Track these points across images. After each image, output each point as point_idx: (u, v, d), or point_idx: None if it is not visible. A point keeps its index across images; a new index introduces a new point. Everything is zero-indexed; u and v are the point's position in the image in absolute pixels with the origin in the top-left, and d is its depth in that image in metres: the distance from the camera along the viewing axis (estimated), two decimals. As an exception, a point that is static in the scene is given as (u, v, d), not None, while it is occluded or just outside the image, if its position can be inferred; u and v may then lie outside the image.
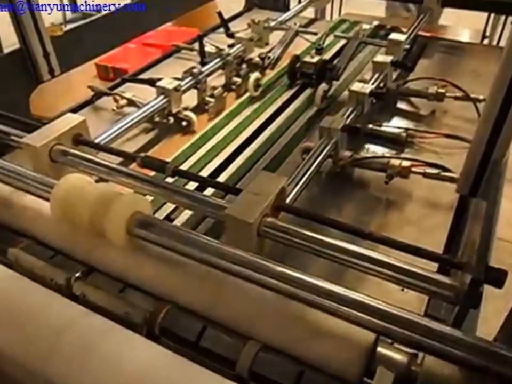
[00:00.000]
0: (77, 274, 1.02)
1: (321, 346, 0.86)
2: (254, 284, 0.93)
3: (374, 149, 1.77)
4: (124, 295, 1.00)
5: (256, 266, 0.93)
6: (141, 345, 0.86)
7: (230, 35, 2.36)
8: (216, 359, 0.88)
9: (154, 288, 1.00)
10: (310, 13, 3.24)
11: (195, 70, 1.92)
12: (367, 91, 1.76)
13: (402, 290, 1.16)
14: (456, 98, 1.95)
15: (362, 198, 1.56)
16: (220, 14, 2.40)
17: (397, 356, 0.83)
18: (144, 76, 2.28)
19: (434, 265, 1.10)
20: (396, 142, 1.70)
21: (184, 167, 1.59)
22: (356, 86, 1.79)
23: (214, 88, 2.00)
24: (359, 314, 0.85)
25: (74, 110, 1.97)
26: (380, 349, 0.84)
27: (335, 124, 1.54)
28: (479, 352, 0.78)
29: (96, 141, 1.52)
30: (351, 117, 1.68)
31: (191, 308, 0.96)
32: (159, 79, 1.85)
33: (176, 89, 1.79)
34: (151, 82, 1.86)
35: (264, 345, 0.88)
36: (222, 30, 2.52)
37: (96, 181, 1.23)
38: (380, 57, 2.03)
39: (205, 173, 1.60)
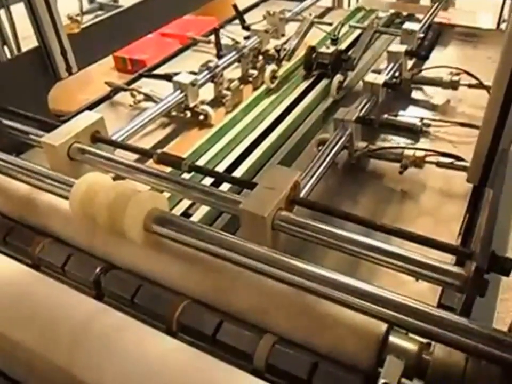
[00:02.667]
0: (97, 271, 1.05)
1: (335, 337, 0.89)
2: (269, 278, 0.95)
3: (390, 139, 1.78)
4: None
5: (270, 260, 0.95)
6: (160, 340, 0.89)
7: (246, 27, 2.37)
8: (233, 352, 0.91)
9: (172, 283, 1.03)
10: (327, 1, 3.25)
11: (211, 64, 1.94)
12: (381, 82, 1.77)
13: (417, 280, 1.17)
14: (470, 86, 1.95)
15: (378, 189, 1.57)
16: (235, 7, 2.42)
17: (408, 345, 0.85)
18: (161, 69, 2.31)
19: (449, 256, 1.12)
20: (411, 132, 1.71)
21: (201, 161, 1.62)
22: (370, 77, 1.80)
23: (231, 81, 2.02)
24: (371, 305, 0.87)
25: (92, 105, 2.02)
26: (391, 339, 0.86)
27: (349, 115, 1.56)
28: (486, 340, 0.80)
29: (114, 137, 1.55)
30: (365, 108, 1.70)
31: (208, 303, 0.99)
32: (176, 74, 1.87)
33: (192, 83, 1.82)
34: (168, 77, 1.89)
35: (280, 338, 0.91)
36: (238, 21, 2.53)
37: (114, 178, 1.26)
38: (394, 47, 2.04)
39: (222, 166, 1.62)
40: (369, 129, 1.68)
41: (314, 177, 1.36)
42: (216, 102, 1.98)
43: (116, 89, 2.05)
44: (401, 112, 1.90)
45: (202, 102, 1.89)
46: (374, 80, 1.78)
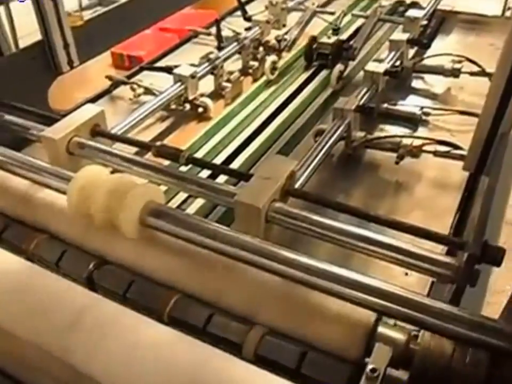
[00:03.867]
0: (90, 267, 1.06)
1: (324, 328, 0.89)
2: (261, 269, 0.96)
3: (388, 129, 1.77)
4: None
5: (262, 252, 0.96)
6: (153, 327, 0.89)
7: (247, 18, 2.36)
8: (224, 344, 0.91)
9: (165, 277, 1.03)
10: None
11: (212, 56, 1.94)
12: (382, 70, 1.77)
13: (406, 274, 1.18)
14: (472, 74, 1.94)
15: (373, 181, 1.57)
16: (238, -3, 2.41)
17: (396, 335, 0.86)
18: (162, 62, 2.30)
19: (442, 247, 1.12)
20: (410, 121, 1.71)
21: (200, 153, 1.62)
22: (371, 66, 1.80)
23: (231, 73, 2.01)
24: (361, 294, 0.88)
25: (92, 100, 2.00)
26: (380, 329, 0.87)
27: (348, 104, 1.55)
28: (474, 326, 0.81)
29: (114, 130, 1.55)
30: (365, 97, 1.70)
31: (199, 296, 0.99)
32: (176, 66, 1.88)
33: (192, 75, 1.82)
34: (168, 69, 1.89)
35: (270, 329, 0.91)
36: (239, 13, 2.53)
37: (113, 172, 1.27)
38: (396, 35, 2.04)
39: (220, 158, 1.63)
40: (367, 119, 1.68)
41: (310, 168, 1.36)
42: (216, 94, 1.97)
43: (116, 83, 2.05)
44: (401, 102, 1.90)
45: (202, 95, 1.89)
46: (375, 69, 1.77)
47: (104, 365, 0.85)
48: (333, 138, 1.48)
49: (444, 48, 2.24)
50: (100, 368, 0.84)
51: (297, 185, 1.26)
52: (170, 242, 1.05)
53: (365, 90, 1.72)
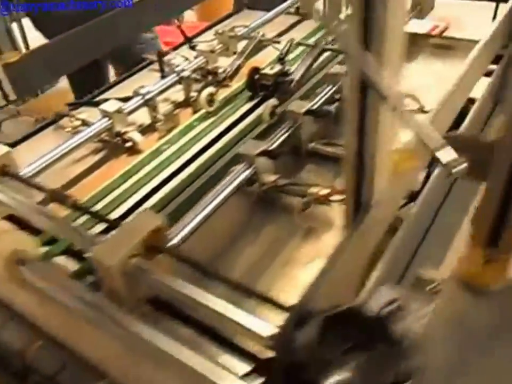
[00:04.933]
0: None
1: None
2: (110, 326, 1.00)
3: (316, 169, 1.74)
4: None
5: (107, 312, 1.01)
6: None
7: (192, 47, 2.36)
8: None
9: (32, 321, 1.09)
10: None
11: (142, 91, 1.94)
12: (302, 111, 1.73)
13: None
14: (410, 111, 1.89)
15: (282, 226, 1.55)
16: (179, 27, 2.41)
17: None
18: (118, 88, 2.32)
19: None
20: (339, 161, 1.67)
21: (118, 191, 1.62)
22: (293, 105, 1.77)
23: (172, 103, 2.01)
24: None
25: (40, 129, 2.06)
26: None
27: (251, 150, 1.53)
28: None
29: (27, 169, 1.57)
30: (279, 141, 1.67)
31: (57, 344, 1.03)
32: (106, 100, 1.88)
33: (118, 111, 1.82)
34: (95, 104, 1.90)
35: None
36: (200, 39, 2.54)
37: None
38: (334, 68, 1.99)
39: (139, 196, 1.61)
40: (297, 158, 1.66)
41: (202, 215, 1.35)
42: (151, 127, 1.97)
43: (58, 115, 2.06)
44: (336, 140, 1.83)
45: (140, 126, 1.89)
46: (295, 108, 1.74)
47: None
48: (233, 185, 1.46)
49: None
50: None
51: (186, 233, 1.30)
52: (37, 290, 1.09)
53: (281, 132, 1.70)
